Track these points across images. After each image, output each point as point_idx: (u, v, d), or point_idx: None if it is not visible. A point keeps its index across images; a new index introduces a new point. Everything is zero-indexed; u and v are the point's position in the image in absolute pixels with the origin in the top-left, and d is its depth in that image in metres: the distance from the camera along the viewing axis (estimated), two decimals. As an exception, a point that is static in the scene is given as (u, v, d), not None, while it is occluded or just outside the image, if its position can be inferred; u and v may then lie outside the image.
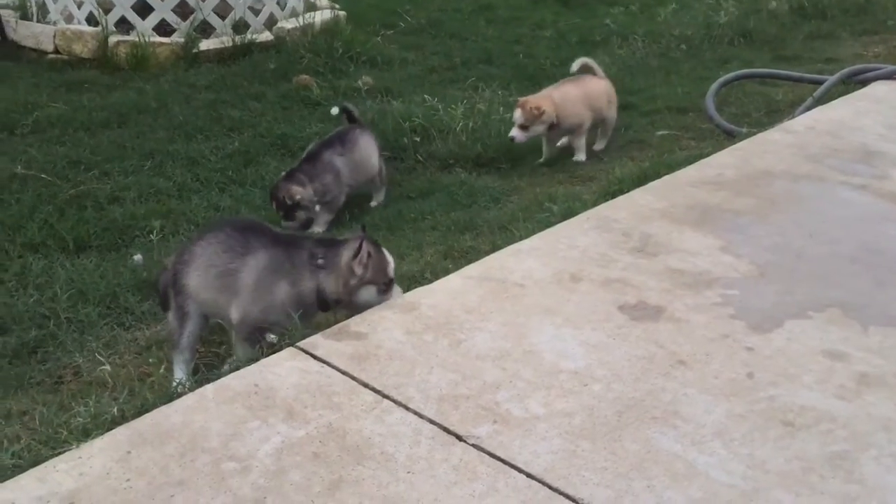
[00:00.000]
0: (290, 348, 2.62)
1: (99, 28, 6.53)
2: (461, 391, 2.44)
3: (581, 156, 5.21)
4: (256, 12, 7.04)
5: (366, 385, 2.45)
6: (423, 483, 2.10)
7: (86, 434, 2.36)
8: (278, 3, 7.19)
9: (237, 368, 2.56)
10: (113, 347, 3.25)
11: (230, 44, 6.68)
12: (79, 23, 6.70)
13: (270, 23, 7.06)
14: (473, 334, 2.71)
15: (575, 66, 5.43)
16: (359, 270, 2.85)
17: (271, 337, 3.15)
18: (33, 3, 6.86)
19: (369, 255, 2.86)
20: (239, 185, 4.79)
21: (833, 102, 5.06)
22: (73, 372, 3.13)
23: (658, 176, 4.01)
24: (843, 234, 3.42)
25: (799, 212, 3.62)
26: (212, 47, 6.64)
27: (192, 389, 2.49)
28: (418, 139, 4.96)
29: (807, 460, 2.21)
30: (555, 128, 5.09)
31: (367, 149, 4.68)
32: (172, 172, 4.83)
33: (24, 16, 6.88)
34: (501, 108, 5.45)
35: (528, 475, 2.13)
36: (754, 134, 4.60)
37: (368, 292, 2.89)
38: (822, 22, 7.79)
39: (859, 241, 3.38)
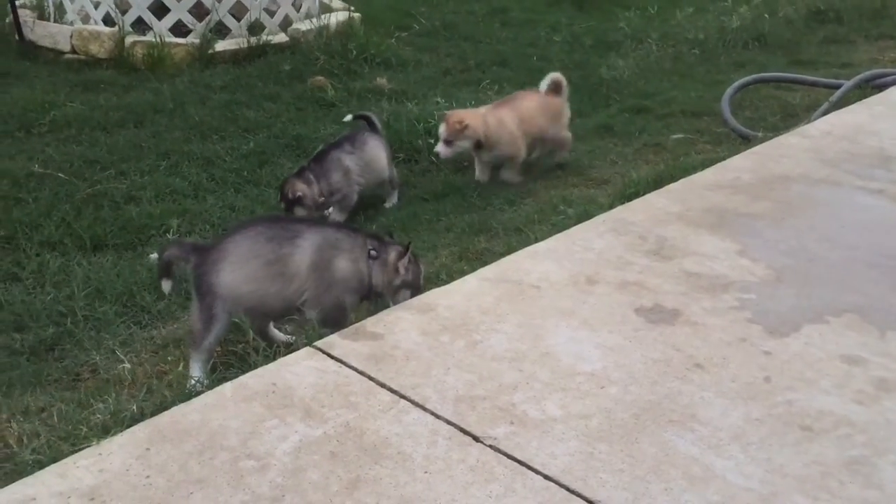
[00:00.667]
0: (308, 348, 2.64)
1: (115, 28, 6.56)
2: (478, 392, 2.44)
3: (508, 176, 4.89)
4: (272, 14, 7.07)
5: (383, 385, 2.46)
6: (440, 483, 2.11)
7: (105, 431, 2.39)
8: (293, 5, 7.21)
9: None
10: (130, 345, 3.27)
11: (245, 45, 6.71)
12: (95, 23, 6.75)
13: (285, 24, 7.09)
14: (490, 336, 2.71)
15: (544, 83, 5.07)
16: (402, 271, 3.03)
17: (286, 337, 3.18)
18: (51, 4, 6.90)
19: (412, 260, 3.06)
20: (254, 186, 4.81)
21: (850, 107, 5.04)
22: (91, 369, 3.16)
23: (674, 179, 4.01)
24: (860, 239, 3.41)
25: (815, 216, 3.61)
26: (227, 48, 6.67)
27: (210, 388, 2.51)
28: (432, 141, 4.97)
29: (825, 465, 2.21)
30: (482, 147, 4.78)
31: (376, 150, 4.69)
32: (188, 172, 4.86)
33: (42, 16, 6.91)
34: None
35: (546, 477, 2.14)
36: (770, 138, 4.59)
37: (404, 295, 3.04)
38: (837, 26, 7.74)
39: (876, 245, 3.36)
